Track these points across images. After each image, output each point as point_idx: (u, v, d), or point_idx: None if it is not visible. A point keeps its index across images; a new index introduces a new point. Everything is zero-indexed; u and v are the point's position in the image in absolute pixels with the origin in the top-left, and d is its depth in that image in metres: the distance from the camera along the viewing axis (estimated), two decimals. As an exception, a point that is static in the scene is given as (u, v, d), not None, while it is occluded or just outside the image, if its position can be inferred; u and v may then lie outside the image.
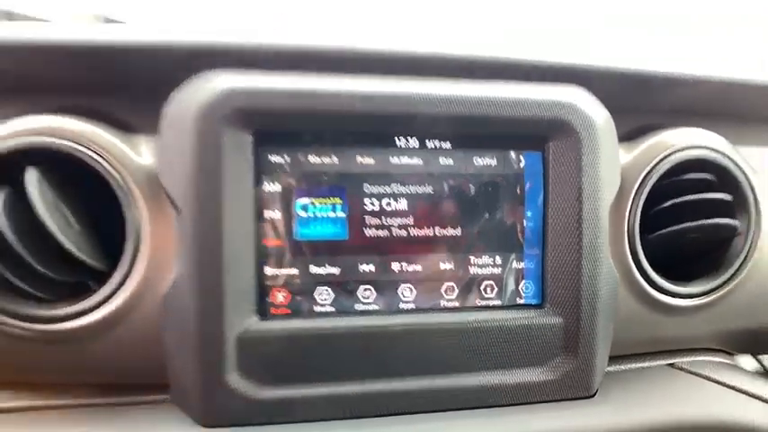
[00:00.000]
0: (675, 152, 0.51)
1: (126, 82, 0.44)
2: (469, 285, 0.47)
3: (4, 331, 0.41)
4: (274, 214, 0.43)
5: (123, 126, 0.44)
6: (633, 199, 0.50)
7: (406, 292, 0.46)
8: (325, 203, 0.44)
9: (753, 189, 0.53)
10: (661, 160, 0.51)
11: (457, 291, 0.47)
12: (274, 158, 0.42)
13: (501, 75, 0.46)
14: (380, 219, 0.44)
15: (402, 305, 0.46)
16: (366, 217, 0.44)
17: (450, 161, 0.45)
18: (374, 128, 0.44)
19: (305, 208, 0.43)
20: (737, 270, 0.53)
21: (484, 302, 0.47)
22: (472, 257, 0.46)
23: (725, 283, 0.53)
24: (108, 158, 0.42)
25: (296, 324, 0.43)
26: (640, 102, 0.53)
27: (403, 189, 0.45)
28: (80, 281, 0.43)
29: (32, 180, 0.39)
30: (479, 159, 0.46)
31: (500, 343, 0.46)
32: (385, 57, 0.44)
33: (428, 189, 0.45)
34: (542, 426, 0.46)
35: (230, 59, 0.42)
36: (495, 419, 0.45)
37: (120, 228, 0.43)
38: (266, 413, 0.43)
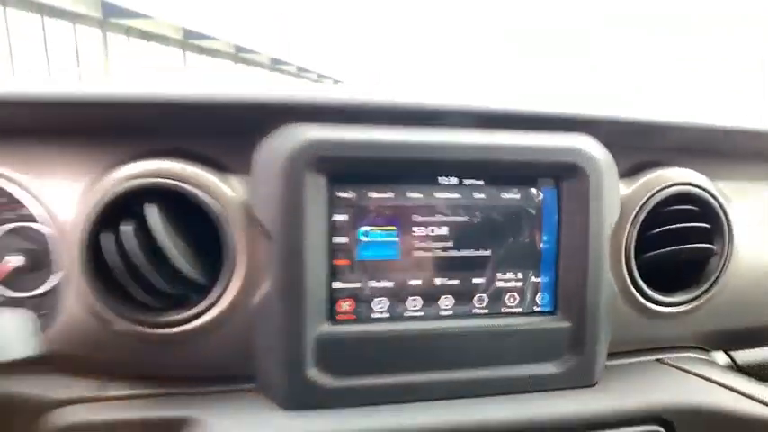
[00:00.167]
0: (666, 188, 0.60)
1: (221, 130, 0.54)
2: (496, 296, 0.57)
3: (130, 334, 0.51)
4: (342, 239, 0.53)
5: (218, 166, 0.53)
6: (630, 225, 0.60)
7: (446, 302, 0.56)
8: (382, 230, 0.53)
9: (727, 219, 0.62)
10: (654, 194, 0.60)
11: (486, 300, 0.57)
12: (343, 194, 0.52)
13: (526, 124, 0.55)
14: (426, 242, 0.54)
15: (442, 312, 0.56)
16: (414, 241, 0.54)
17: (482, 195, 0.55)
18: (422, 170, 0.54)
19: (366, 234, 0.53)
20: (713, 284, 0.63)
21: (508, 310, 0.57)
22: (499, 273, 0.57)
23: (703, 293, 0.63)
24: (209, 194, 0.51)
25: (359, 328, 0.53)
26: (637, 143, 0.63)
27: (444, 218, 0.54)
28: (182, 293, 0.53)
29: (153, 214, 0.49)
30: (506, 194, 0.56)
31: (520, 342, 0.56)
32: (430, 110, 0.54)
33: (464, 218, 0.55)
34: (553, 408, 0.56)
35: (304, 113, 0.51)
36: (516, 404, 0.56)
37: (211, 248, 0.52)
38: (338, 399, 0.53)
